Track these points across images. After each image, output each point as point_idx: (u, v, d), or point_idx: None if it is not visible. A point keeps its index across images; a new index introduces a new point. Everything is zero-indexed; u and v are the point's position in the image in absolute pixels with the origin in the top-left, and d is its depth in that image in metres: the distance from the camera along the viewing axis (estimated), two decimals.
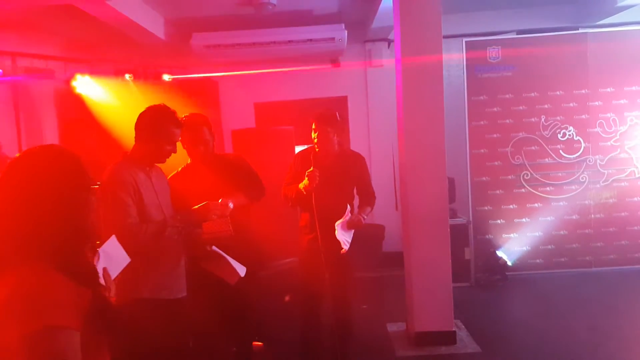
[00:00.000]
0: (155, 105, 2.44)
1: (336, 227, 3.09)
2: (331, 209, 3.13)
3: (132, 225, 2.25)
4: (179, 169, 2.93)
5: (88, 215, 1.21)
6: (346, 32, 5.03)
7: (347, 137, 3.49)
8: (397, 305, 4.22)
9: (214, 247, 2.56)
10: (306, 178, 3.10)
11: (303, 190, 3.13)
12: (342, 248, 3.09)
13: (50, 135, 5.30)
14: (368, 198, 3.40)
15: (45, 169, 1.16)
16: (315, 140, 3.24)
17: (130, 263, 1.96)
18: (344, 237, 3.13)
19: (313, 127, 3.25)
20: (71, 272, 1.10)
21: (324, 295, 3.25)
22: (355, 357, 3.48)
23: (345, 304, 3.31)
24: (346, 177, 3.29)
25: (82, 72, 5.21)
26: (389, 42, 5.87)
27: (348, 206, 3.18)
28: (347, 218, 3.14)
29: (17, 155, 1.22)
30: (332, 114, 3.26)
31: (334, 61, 5.89)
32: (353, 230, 3.19)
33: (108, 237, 2.13)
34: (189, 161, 2.94)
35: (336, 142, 3.28)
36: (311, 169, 3.10)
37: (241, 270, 2.62)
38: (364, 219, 3.24)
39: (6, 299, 1.02)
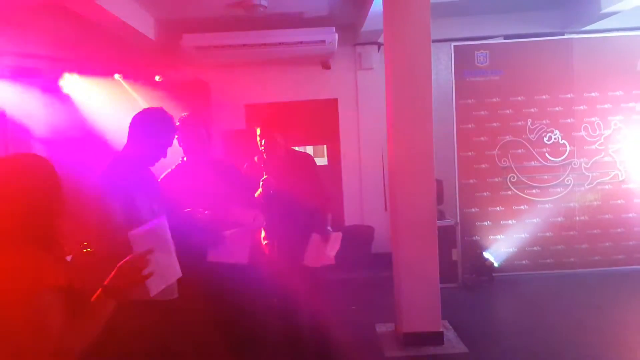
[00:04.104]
0: (153, 108, 2.42)
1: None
2: (290, 212, 3.13)
3: (109, 231, 2.23)
4: (173, 167, 2.92)
5: (56, 212, 1.51)
6: (337, 35, 5.06)
7: (291, 138, 3.43)
8: (386, 306, 4.25)
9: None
10: (261, 186, 3.06)
11: (260, 199, 3.08)
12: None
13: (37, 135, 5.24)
14: (322, 202, 3.29)
15: (21, 174, 1.46)
16: (263, 147, 3.18)
17: (113, 265, 1.95)
18: (328, 252, 3.16)
19: (258, 133, 3.19)
20: (48, 249, 1.44)
21: (299, 299, 3.26)
22: (343, 357, 3.51)
23: (318, 306, 3.31)
24: (300, 177, 3.23)
25: (70, 71, 5.17)
26: (379, 45, 5.91)
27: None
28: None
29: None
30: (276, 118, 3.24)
31: (325, 64, 5.92)
32: (330, 243, 3.19)
33: (92, 239, 2.13)
34: (180, 160, 2.94)
35: (283, 146, 3.24)
36: (265, 176, 3.07)
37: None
38: (330, 230, 3.21)
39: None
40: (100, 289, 1.47)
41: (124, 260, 1.51)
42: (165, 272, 1.79)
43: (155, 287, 1.69)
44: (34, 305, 1.33)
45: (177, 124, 2.61)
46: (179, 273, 2.01)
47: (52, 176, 1.52)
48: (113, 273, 1.49)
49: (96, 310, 1.45)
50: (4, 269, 1.35)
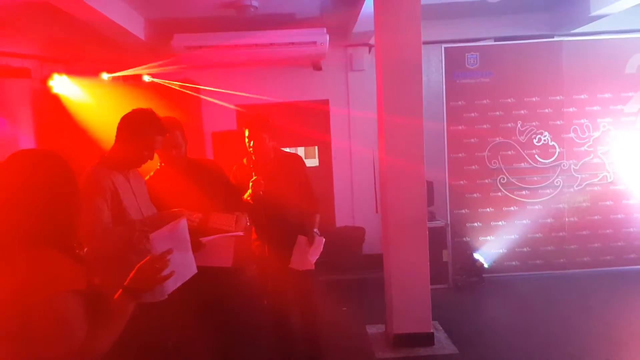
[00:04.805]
0: (141, 109, 2.39)
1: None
2: (280, 213, 3.13)
3: (97, 232, 2.22)
4: (152, 173, 2.88)
5: (74, 211, 1.46)
6: (328, 36, 5.06)
7: (280, 139, 3.40)
8: (377, 307, 4.26)
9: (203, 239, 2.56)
10: (250, 187, 3.05)
11: (250, 200, 3.06)
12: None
13: (26, 136, 5.19)
14: (312, 203, 3.30)
15: (39, 171, 1.38)
16: (251, 149, 3.16)
17: (103, 266, 1.93)
18: (310, 257, 3.15)
19: (247, 134, 3.16)
20: (67, 252, 1.38)
21: (289, 300, 3.26)
22: (333, 359, 3.50)
23: (309, 307, 3.32)
24: (289, 178, 3.23)
25: (59, 71, 5.12)
26: (370, 47, 5.92)
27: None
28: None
29: (8, 156, 1.39)
30: (265, 119, 3.18)
31: (316, 65, 5.92)
32: (313, 248, 3.16)
33: (82, 238, 2.08)
34: (158, 165, 2.90)
35: (271, 147, 3.22)
36: (254, 177, 3.05)
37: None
38: (316, 232, 3.18)
39: (21, 278, 1.28)
40: (120, 290, 1.45)
41: (144, 260, 1.49)
42: (181, 271, 1.79)
43: (172, 285, 1.69)
44: (55, 310, 1.29)
45: None
46: (194, 270, 2.01)
47: (69, 173, 1.45)
48: (132, 274, 1.47)
49: (117, 312, 1.42)
50: (23, 274, 1.29)
